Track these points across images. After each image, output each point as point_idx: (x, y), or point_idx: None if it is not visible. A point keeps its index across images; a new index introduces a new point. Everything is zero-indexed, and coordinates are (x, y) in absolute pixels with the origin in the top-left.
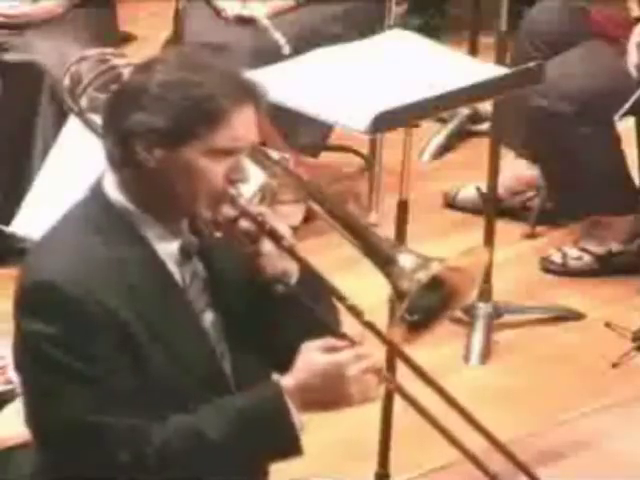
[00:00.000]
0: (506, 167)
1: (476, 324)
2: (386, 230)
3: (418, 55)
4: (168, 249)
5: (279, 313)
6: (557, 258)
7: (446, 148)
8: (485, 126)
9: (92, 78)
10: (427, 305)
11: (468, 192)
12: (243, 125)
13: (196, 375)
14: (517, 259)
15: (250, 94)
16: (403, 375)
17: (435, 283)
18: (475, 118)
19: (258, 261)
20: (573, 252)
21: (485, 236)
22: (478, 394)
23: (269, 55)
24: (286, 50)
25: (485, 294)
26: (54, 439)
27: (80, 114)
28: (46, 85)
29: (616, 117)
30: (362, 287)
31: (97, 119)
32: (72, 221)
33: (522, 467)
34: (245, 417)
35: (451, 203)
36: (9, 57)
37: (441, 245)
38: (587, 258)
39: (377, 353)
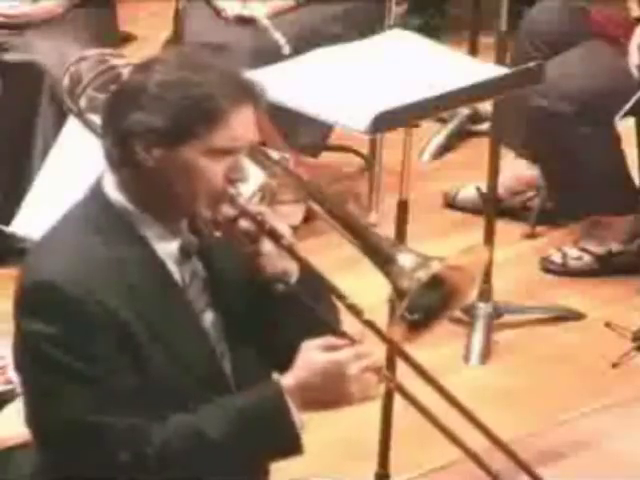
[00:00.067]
0: (506, 167)
1: (476, 324)
2: (386, 230)
3: (418, 55)
4: (168, 249)
5: (279, 312)
6: (557, 258)
7: (446, 148)
8: (485, 126)
9: (91, 78)
10: (427, 304)
11: (468, 192)
12: (242, 125)
13: (196, 375)
14: (517, 259)
15: (249, 94)
16: (403, 374)
17: (435, 282)
18: (475, 118)
19: (258, 261)
20: (573, 252)
21: (485, 236)
22: (478, 394)
23: (269, 55)
24: (286, 50)
25: (485, 294)
26: (54, 439)
27: (79, 114)
28: (46, 85)
29: (617, 118)
30: (362, 286)
31: (96, 119)
32: (72, 221)
33: (524, 466)
34: (245, 416)
35: (451, 203)
36: (9, 57)
37: (441, 245)
38: (587, 258)
39: (377, 352)
